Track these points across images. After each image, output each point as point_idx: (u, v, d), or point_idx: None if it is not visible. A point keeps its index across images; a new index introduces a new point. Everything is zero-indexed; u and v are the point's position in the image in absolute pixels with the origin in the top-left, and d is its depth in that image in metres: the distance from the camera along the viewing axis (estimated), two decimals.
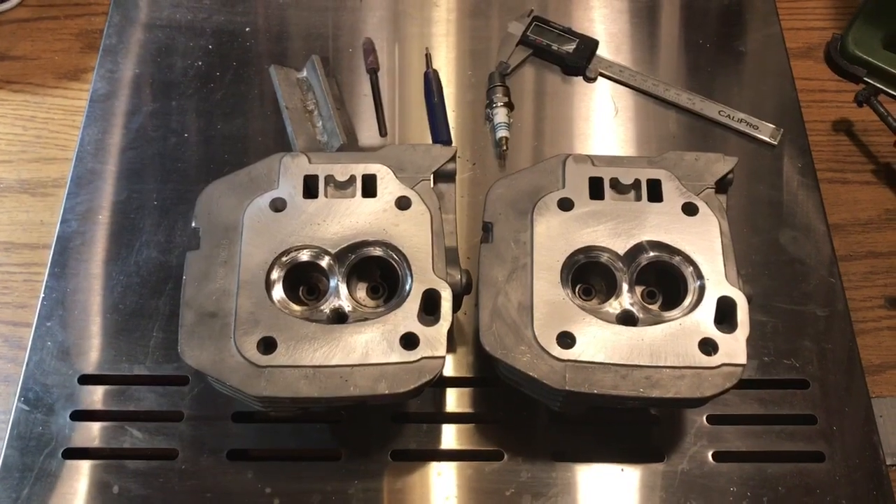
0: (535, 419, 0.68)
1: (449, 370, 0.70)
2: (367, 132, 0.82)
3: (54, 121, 0.85)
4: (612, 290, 0.62)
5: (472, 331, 0.71)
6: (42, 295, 0.72)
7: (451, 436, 0.67)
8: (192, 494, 0.64)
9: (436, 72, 0.84)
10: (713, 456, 0.66)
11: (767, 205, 0.78)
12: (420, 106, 0.84)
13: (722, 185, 0.65)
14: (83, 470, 0.65)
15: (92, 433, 0.67)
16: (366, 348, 0.57)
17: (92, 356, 0.70)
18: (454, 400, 0.69)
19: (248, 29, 0.88)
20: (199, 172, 0.79)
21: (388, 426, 0.67)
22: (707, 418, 0.68)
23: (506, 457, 0.66)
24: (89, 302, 0.72)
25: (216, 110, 0.82)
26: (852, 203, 0.81)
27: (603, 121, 0.83)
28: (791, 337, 0.71)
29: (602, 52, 0.87)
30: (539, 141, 0.82)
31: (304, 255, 0.61)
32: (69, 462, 0.66)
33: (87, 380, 0.69)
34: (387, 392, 0.56)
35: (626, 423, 0.68)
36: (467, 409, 0.68)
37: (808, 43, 0.92)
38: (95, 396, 0.68)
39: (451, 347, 0.70)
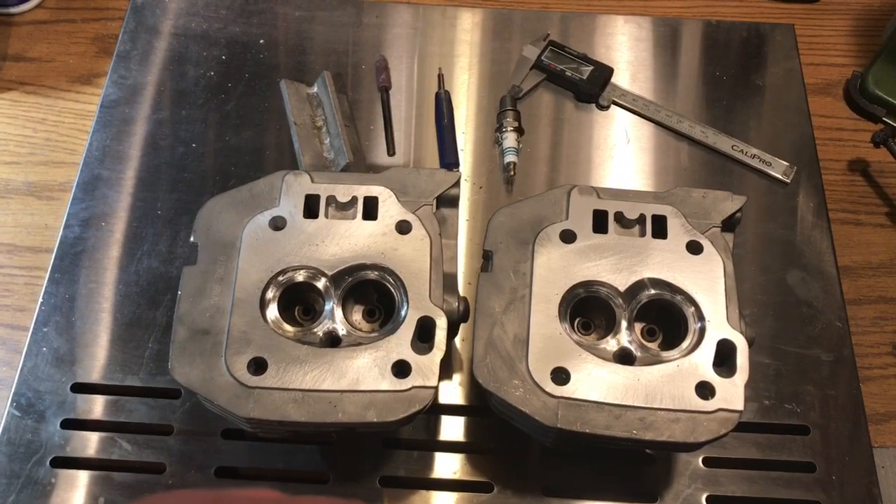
0: (528, 452, 0.67)
1: (443, 397, 0.69)
2: (378, 150, 0.81)
3: (64, 124, 0.85)
4: (610, 327, 0.60)
5: (468, 358, 0.70)
6: (41, 300, 0.72)
7: (441, 464, 0.66)
8: None
9: (447, 93, 0.84)
10: (707, 500, 0.65)
11: (777, 244, 0.77)
12: (426, 127, 0.83)
13: (729, 224, 0.63)
14: (70, 480, 0.65)
15: (81, 442, 0.66)
16: (357, 374, 0.56)
17: (86, 364, 0.69)
18: (447, 428, 0.68)
19: (262, 41, 0.87)
20: (205, 184, 0.79)
21: (379, 451, 0.66)
22: (703, 460, 0.66)
23: (496, 489, 0.65)
24: (87, 309, 0.72)
25: (226, 122, 0.82)
26: (864, 245, 0.80)
27: (614, 150, 0.82)
28: (794, 381, 0.70)
29: (618, 79, 0.86)
30: (548, 167, 0.81)
31: (301, 276, 0.60)
32: (57, 471, 0.65)
33: (79, 388, 0.68)
34: (375, 420, 0.55)
35: (620, 461, 0.66)
36: (459, 438, 0.67)
37: (828, 79, 0.90)
38: (87, 405, 0.68)
39: (446, 374, 0.70)
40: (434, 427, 0.68)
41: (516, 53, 0.87)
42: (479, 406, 0.68)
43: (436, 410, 0.68)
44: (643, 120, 0.84)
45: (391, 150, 0.81)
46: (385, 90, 0.83)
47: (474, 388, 0.69)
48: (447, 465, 0.66)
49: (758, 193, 0.79)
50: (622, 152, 0.82)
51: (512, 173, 0.78)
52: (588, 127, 0.84)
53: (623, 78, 0.86)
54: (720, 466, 0.66)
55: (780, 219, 0.78)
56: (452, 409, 0.68)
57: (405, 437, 0.67)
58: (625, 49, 0.89)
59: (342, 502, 0.64)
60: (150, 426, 0.67)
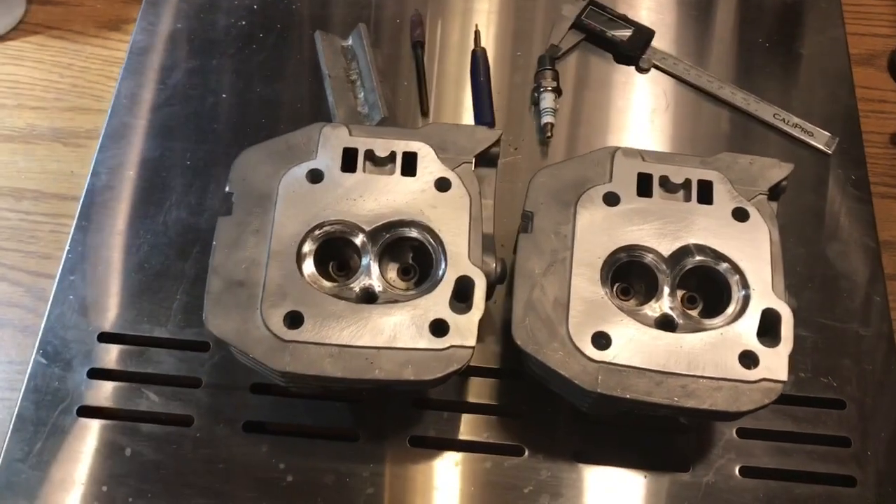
0: (559, 416, 0.66)
1: (474, 359, 0.67)
2: (403, 109, 0.80)
3: (91, 70, 0.83)
4: (652, 292, 0.59)
5: (500, 320, 0.69)
6: (67, 248, 0.71)
7: (471, 426, 0.65)
8: (204, 463, 0.63)
9: (484, 50, 0.82)
10: (740, 471, 0.64)
11: (816, 215, 0.75)
12: (458, 85, 0.81)
13: (775, 193, 0.62)
14: (96, 429, 0.64)
15: (108, 392, 0.66)
16: (394, 331, 0.55)
17: (113, 314, 0.69)
18: (477, 390, 0.67)
19: None
20: (234, 135, 0.77)
21: (408, 411, 0.66)
22: (737, 431, 0.65)
23: (527, 453, 0.64)
24: (114, 258, 0.71)
25: (256, 73, 0.80)
26: None
27: (652, 114, 0.80)
28: (831, 354, 0.69)
29: (657, 42, 0.83)
30: (584, 129, 0.80)
31: (338, 231, 0.59)
32: (83, 420, 0.65)
33: (106, 338, 0.68)
34: (412, 378, 0.54)
35: (653, 429, 0.66)
36: (490, 401, 0.67)
37: (872, 50, 0.88)
38: (113, 355, 0.67)
39: (479, 336, 0.68)
40: (464, 389, 0.67)
41: (544, 11, 0.85)
42: (510, 369, 0.67)
43: (466, 372, 0.67)
44: (681, 84, 0.82)
45: (425, 108, 0.79)
46: (420, 45, 0.81)
47: (507, 351, 0.68)
48: (477, 428, 0.65)
49: (798, 164, 0.77)
50: (661, 117, 0.80)
51: (549, 135, 0.77)
52: (626, 89, 0.82)
53: (662, 41, 0.84)
54: (754, 438, 0.65)
55: (819, 190, 0.77)
56: (483, 372, 0.67)
57: (435, 398, 0.66)
58: (665, 11, 0.87)
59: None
60: (177, 378, 0.66)
